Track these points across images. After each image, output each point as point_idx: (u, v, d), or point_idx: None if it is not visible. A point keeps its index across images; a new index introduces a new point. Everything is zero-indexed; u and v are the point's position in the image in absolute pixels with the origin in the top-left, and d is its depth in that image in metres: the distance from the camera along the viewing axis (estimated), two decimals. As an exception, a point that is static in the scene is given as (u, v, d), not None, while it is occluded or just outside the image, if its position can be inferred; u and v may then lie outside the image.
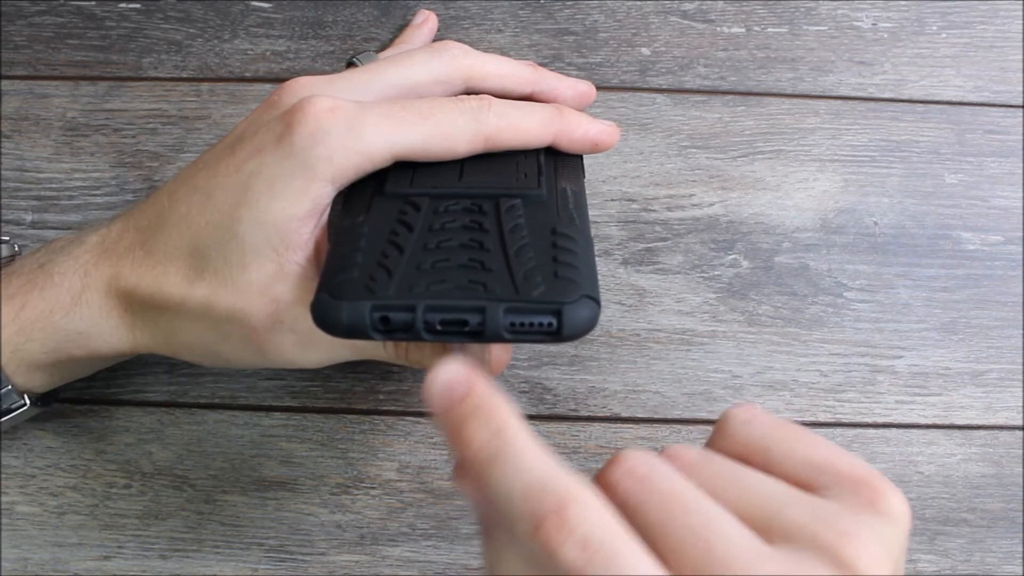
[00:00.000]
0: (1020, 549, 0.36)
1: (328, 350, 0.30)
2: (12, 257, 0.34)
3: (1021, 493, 0.37)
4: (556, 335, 0.25)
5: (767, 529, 0.21)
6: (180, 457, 0.37)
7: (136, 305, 0.30)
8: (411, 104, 0.29)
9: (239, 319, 0.29)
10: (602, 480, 0.22)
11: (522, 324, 0.25)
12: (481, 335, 0.25)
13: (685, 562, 0.20)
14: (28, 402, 0.32)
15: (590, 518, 0.20)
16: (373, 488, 0.36)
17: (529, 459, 0.21)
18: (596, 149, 0.32)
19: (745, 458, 0.23)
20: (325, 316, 0.25)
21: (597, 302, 0.25)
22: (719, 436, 0.25)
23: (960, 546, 0.36)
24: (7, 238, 0.36)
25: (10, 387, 0.31)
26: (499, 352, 0.29)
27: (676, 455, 0.23)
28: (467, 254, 0.26)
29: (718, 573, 0.20)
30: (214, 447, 0.37)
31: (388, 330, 0.25)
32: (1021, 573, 0.36)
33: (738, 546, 0.20)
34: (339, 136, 0.28)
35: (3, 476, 0.36)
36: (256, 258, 0.28)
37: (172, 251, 0.29)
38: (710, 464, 0.23)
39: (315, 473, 0.37)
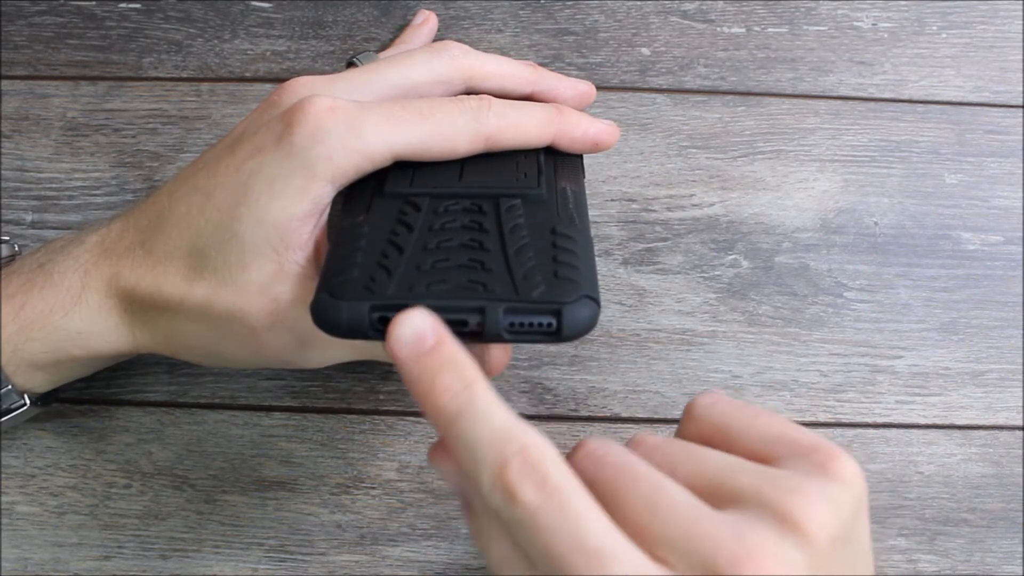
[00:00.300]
0: (1020, 549, 0.36)
1: (327, 350, 0.30)
2: (12, 257, 0.34)
3: (1021, 493, 0.37)
4: (556, 335, 0.25)
5: (716, 495, 0.22)
6: (180, 457, 0.37)
7: (136, 305, 0.30)
8: (411, 104, 0.29)
9: (238, 319, 0.29)
10: (568, 462, 0.23)
11: (522, 324, 0.25)
12: (481, 335, 0.25)
13: (631, 520, 0.22)
14: (28, 402, 0.32)
15: (549, 460, 0.21)
16: (373, 488, 0.36)
17: (496, 412, 0.22)
18: (596, 148, 0.32)
19: (708, 439, 0.25)
20: (325, 316, 0.25)
21: (597, 302, 0.25)
22: (685, 421, 0.26)
23: (960, 546, 0.36)
24: (7, 238, 0.36)
25: (10, 387, 0.31)
26: (498, 352, 0.29)
27: (639, 441, 0.25)
28: (467, 254, 0.26)
29: (661, 529, 0.21)
30: (214, 447, 0.37)
31: (387, 330, 0.25)
32: (1021, 573, 0.36)
33: (682, 505, 0.22)
34: (339, 136, 0.28)
35: (3, 476, 0.36)
36: (256, 258, 0.28)
37: (172, 251, 0.29)
38: (669, 446, 0.24)
39: (315, 473, 0.37)
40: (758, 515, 0.21)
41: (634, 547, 0.21)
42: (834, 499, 0.22)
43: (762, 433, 0.24)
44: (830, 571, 0.21)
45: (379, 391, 0.38)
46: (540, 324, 0.25)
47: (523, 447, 0.21)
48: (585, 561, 0.21)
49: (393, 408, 0.37)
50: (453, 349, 0.23)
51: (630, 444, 0.25)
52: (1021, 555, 0.36)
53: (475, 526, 0.24)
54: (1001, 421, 0.38)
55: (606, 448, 0.24)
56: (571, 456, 0.24)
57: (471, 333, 0.25)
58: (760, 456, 0.23)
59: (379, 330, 0.25)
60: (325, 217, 0.29)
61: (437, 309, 0.25)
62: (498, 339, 0.25)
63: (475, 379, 0.22)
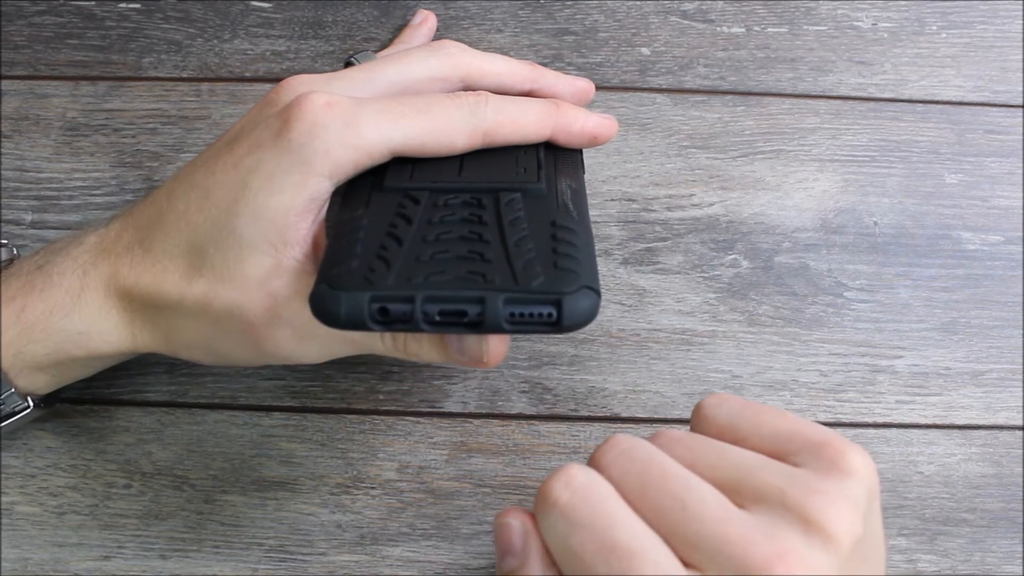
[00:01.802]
0: (1020, 549, 0.36)
1: (326, 344, 0.30)
2: (11, 261, 0.34)
3: (1021, 493, 0.37)
4: (556, 325, 0.25)
5: (738, 492, 0.23)
6: (180, 457, 0.37)
7: (135, 304, 0.30)
8: (409, 100, 0.29)
9: (237, 314, 0.29)
10: (593, 461, 0.24)
11: (522, 314, 0.25)
12: (480, 326, 0.25)
13: (662, 519, 0.22)
14: (31, 404, 0.32)
15: (585, 474, 0.23)
16: (373, 488, 0.36)
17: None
18: (595, 143, 0.32)
19: (719, 438, 0.25)
20: (324, 307, 0.25)
21: (597, 293, 0.25)
22: (695, 423, 0.27)
23: (960, 546, 0.36)
24: (5, 241, 0.36)
25: (12, 390, 0.31)
26: (496, 343, 0.28)
27: (660, 435, 0.25)
28: (466, 246, 0.26)
29: (691, 528, 0.22)
30: (214, 447, 0.37)
31: (387, 321, 0.25)
32: (1021, 573, 0.36)
33: (711, 505, 0.22)
34: (336, 131, 0.28)
35: (3, 476, 0.36)
36: (253, 253, 0.28)
37: (170, 249, 0.30)
38: (691, 440, 0.25)
39: (315, 473, 0.37)
40: (783, 517, 0.22)
41: (663, 545, 0.22)
42: (853, 497, 0.22)
43: (772, 430, 0.24)
44: (855, 571, 0.22)
45: (379, 391, 0.38)
46: (540, 314, 0.24)
47: (560, 469, 0.23)
48: (615, 560, 0.21)
49: (393, 408, 0.37)
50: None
51: (651, 438, 0.25)
52: (1021, 555, 0.36)
53: None
54: (1001, 421, 0.38)
55: (633, 443, 0.24)
56: (598, 451, 0.24)
57: (471, 324, 0.25)
58: (772, 453, 0.24)
59: (378, 321, 0.25)
60: (323, 213, 0.29)
61: (436, 299, 0.24)
62: (498, 329, 0.25)
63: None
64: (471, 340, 0.28)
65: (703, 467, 0.23)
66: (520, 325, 0.25)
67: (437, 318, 0.25)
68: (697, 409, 0.27)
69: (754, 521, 0.22)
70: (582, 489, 0.23)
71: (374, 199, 0.28)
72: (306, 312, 0.26)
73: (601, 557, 0.21)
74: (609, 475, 0.23)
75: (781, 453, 0.24)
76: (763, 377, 0.38)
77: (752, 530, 0.21)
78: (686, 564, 0.22)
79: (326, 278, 0.25)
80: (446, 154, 0.29)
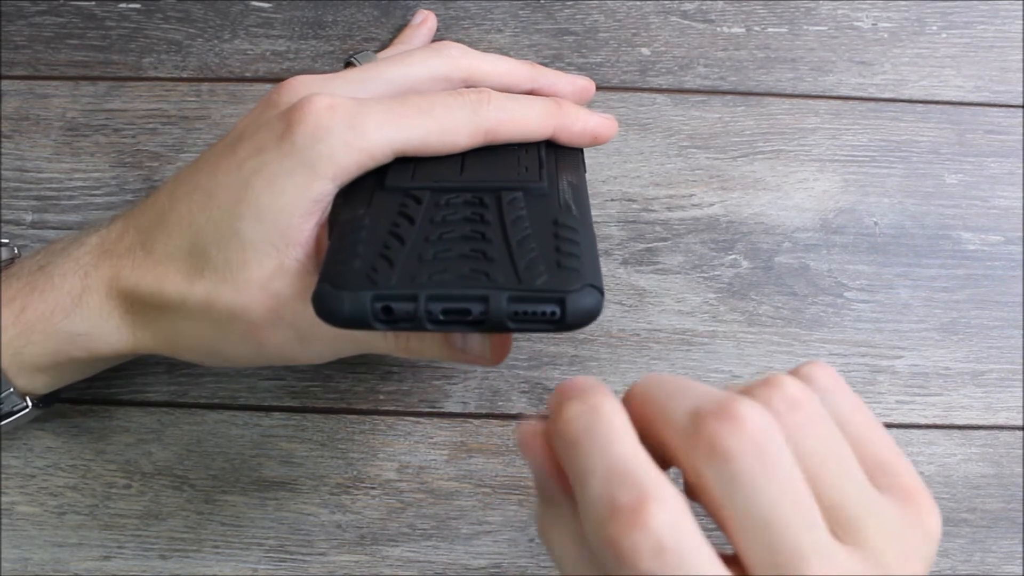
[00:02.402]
0: (1020, 549, 0.36)
1: (328, 345, 0.30)
2: (12, 260, 0.34)
3: (1021, 493, 0.37)
4: (559, 323, 0.24)
5: (838, 511, 0.21)
6: (180, 457, 0.37)
7: (137, 305, 0.30)
8: (411, 100, 0.29)
9: (239, 316, 0.29)
10: (716, 436, 0.20)
11: (525, 312, 0.24)
12: (484, 324, 0.25)
13: (755, 544, 0.20)
14: (30, 404, 0.32)
15: (668, 521, 0.19)
16: (373, 488, 0.36)
17: (618, 444, 0.20)
18: (596, 142, 0.32)
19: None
20: (327, 306, 0.25)
21: (600, 291, 0.25)
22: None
23: (960, 546, 0.36)
24: (6, 240, 0.36)
25: (11, 390, 0.31)
26: (500, 342, 0.28)
27: (804, 401, 0.22)
28: (469, 244, 0.26)
29: (785, 561, 0.19)
30: (214, 447, 0.37)
31: (390, 320, 0.25)
32: (1021, 573, 0.36)
33: (809, 541, 0.20)
34: (340, 133, 0.28)
35: (3, 476, 0.36)
36: (256, 255, 0.28)
37: (173, 250, 0.30)
38: (826, 427, 0.22)
39: (315, 473, 0.37)
40: (871, 564, 0.20)
41: (831, 538, 0.20)
42: (927, 558, 0.21)
43: (876, 455, 0.23)
44: None
45: (379, 391, 0.38)
46: (544, 312, 0.24)
47: (639, 500, 0.19)
48: (777, 534, 0.19)
49: (393, 408, 0.37)
50: (588, 383, 0.22)
51: (792, 390, 0.21)
52: (1021, 555, 0.36)
53: (545, 522, 0.22)
54: (1001, 421, 0.38)
55: (765, 433, 0.20)
56: (722, 429, 0.20)
57: (474, 322, 0.25)
58: (866, 472, 0.22)
59: (382, 320, 0.25)
60: (326, 215, 0.29)
61: (440, 298, 0.24)
62: (502, 328, 0.25)
63: (601, 404, 0.21)
64: (474, 338, 0.28)
65: (824, 480, 0.21)
66: (524, 323, 0.25)
67: (441, 316, 0.25)
68: (807, 380, 0.23)
69: (850, 564, 0.20)
70: (759, 447, 0.19)
71: (376, 199, 0.28)
72: (308, 313, 0.26)
73: (776, 523, 0.19)
74: (717, 449, 0.20)
75: (873, 477, 0.22)
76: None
77: (846, 570, 0.20)
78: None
79: (329, 277, 0.25)
80: (449, 152, 0.30)
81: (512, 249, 0.26)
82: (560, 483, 0.22)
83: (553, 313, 0.24)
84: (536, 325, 0.25)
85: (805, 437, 0.21)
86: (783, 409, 0.21)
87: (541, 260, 0.25)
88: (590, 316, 0.25)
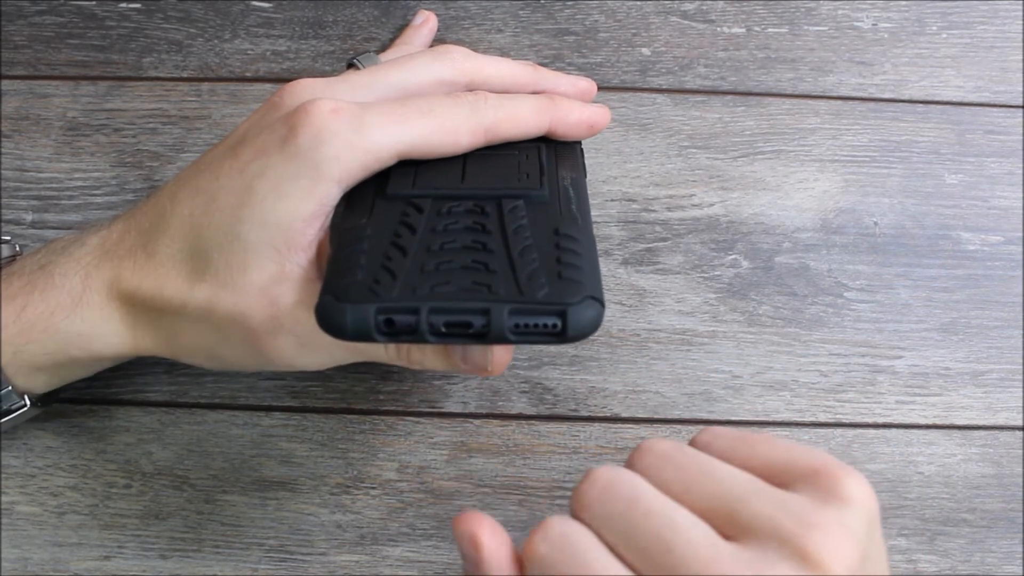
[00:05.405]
0: (1020, 549, 0.36)
1: (328, 352, 0.30)
2: (13, 257, 0.34)
3: (1021, 493, 0.37)
4: (561, 336, 0.25)
5: (731, 522, 0.22)
6: (180, 457, 0.37)
7: (137, 307, 0.30)
8: (411, 102, 0.29)
9: (239, 321, 0.29)
10: (576, 497, 0.24)
11: (526, 325, 0.25)
12: (485, 337, 0.25)
13: (647, 562, 0.21)
14: (28, 403, 0.32)
15: (562, 524, 0.23)
16: (373, 488, 0.36)
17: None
18: (592, 131, 0.32)
19: None
20: (330, 319, 0.25)
21: (601, 303, 0.25)
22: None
23: (960, 546, 0.36)
24: (8, 238, 0.36)
25: (10, 388, 0.31)
26: (500, 352, 0.29)
27: (647, 449, 0.25)
28: (471, 255, 0.26)
29: (679, 572, 0.21)
30: (214, 447, 0.37)
31: (392, 333, 0.25)
32: (1021, 573, 0.36)
33: (699, 544, 0.21)
34: (344, 136, 0.28)
35: (3, 476, 0.36)
36: (258, 259, 0.28)
37: (174, 253, 0.29)
38: (681, 457, 0.24)
39: (315, 473, 0.37)
40: (777, 551, 0.21)
41: None
42: (851, 528, 0.21)
43: (767, 459, 0.24)
44: None
45: (379, 391, 0.38)
46: (545, 325, 0.25)
47: (541, 525, 0.23)
48: None
49: (393, 408, 0.37)
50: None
51: (638, 452, 0.25)
52: (1021, 555, 0.36)
53: None
54: (1001, 421, 0.38)
55: (614, 477, 0.23)
56: (580, 490, 0.24)
57: (476, 335, 0.25)
58: (767, 481, 0.23)
59: (384, 332, 0.25)
60: (329, 220, 0.29)
61: (442, 311, 0.25)
62: (503, 340, 0.25)
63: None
64: (475, 350, 0.28)
65: (695, 493, 0.23)
66: (525, 336, 0.25)
67: (443, 329, 0.25)
68: (691, 443, 0.26)
69: (746, 557, 0.21)
70: (559, 540, 0.22)
71: (377, 206, 0.28)
72: (310, 321, 0.26)
73: None
74: (590, 517, 0.23)
75: (777, 482, 0.23)
76: (763, 377, 0.38)
77: (742, 568, 0.21)
78: None
79: (331, 290, 0.25)
80: (451, 153, 0.30)
81: (513, 260, 0.26)
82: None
83: (554, 326, 0.25)
84: (537, 337, 0.25)
85: (659, 472, 0.24)
86: (635, 461, 0.24)
87: (542, 271, 0.25)
88: (590, 329, 0.25)
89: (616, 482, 0.23)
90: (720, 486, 0.23)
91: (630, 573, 0.22)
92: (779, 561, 0.21)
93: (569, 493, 0.35)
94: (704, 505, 0.22)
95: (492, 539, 0.23)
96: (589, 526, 0.23)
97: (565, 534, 0.23)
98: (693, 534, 0.22)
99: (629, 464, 0.25)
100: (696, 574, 0.21)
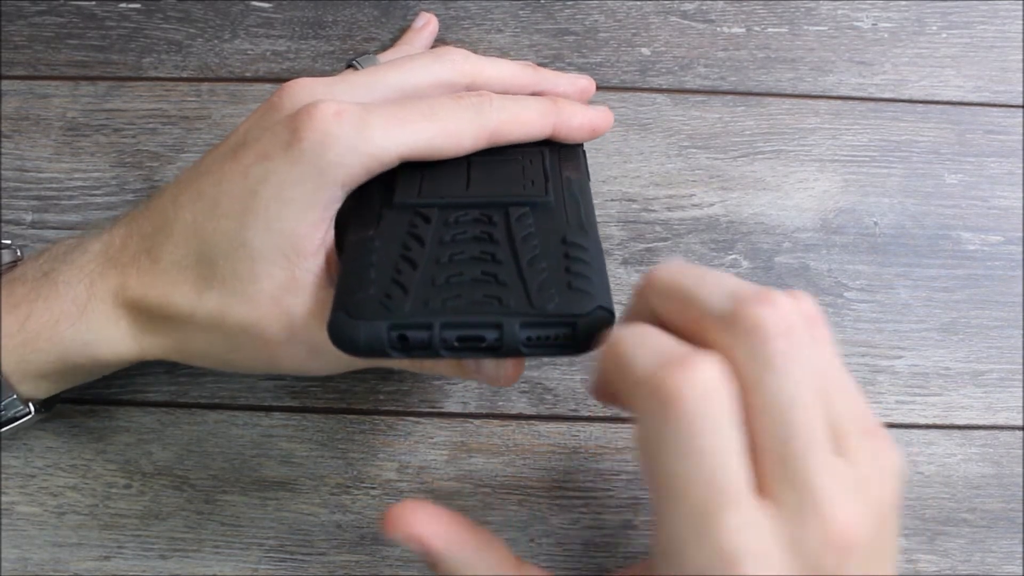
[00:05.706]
0: (1020, 549, 0.36)
1: (339, 358, 0.30)
2: (14, 263, 0.34)
3: (1021, 493, 0.37)
4: (573, 348, 0.25)
5: (836, 427, 0.23)
6: (180, 457, 0.37)
7: (144, 315, 0.30)
8: (415, 104, 0.29)
9: (253, 332, 0.29)
10: (744, 308, 0.22)
11: (538, 338, 0.25)
12: (499, 350, 0.25)
13: (773, 427, 0.22)
14: (33, 410, 0.32)
15: (714, 375, 0.21)
16: (373, 488, 0.36)
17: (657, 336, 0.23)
18: (594, 134, 0.32)
19: None
20: (342, 336, 0.25)
21: (611, 312, 0.25)
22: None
23: (960, 546, 0.36)
24: (8, 242, 0.36)
25: (14, 396, 0.31)
26: (513, 365, 0.29)
27: (812, 312, 0.24)
28: (480, 267, 0.26)
29: (794, 454, 0.22)
30: (214, 447, 0.37)
31: (405, 348, 0.25)
32: (1021, 573, 0.36)
33: (819, 441, 0.22)
34: (348, 139, 0.28)
35: (3, 476, 0.36)
36: (266, 266, 0.28)
37: (179, 260, 0.29)
38: (830, 344, 0.24)
39: (315, 473, 0.37)
40: (862, 481, 0.23)
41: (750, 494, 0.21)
42: (896, 494, 0.24)
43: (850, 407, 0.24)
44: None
45: (379, 391, 0.38)
46: (557, 337, 0.25)
47: (682, 358, 0.22)
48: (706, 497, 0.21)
49: (393, 408, 0.37)
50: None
51: (802, 308, 0.24)
52: (1021, 555, 0.36)
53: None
54: (1001, 421, 0.38)
55: (796, 325, 0.23)
56: (759, 306, 0.22)
57: (488, 349, 0.25)
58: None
59: (397, 348, 0.25)
60: (333, 224, 0.29)
61: (454, 325, 0.25)
62: (515, 353, 0.25)
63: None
64: (488, 362, 0.28)
65: (835, 385, 0.23)
66: (537, 348, 0.25)
67: (455, 344, 0.25)
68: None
69: (848, 474, 0.22)
70: (795, 327, 0.22)
71: (385, 216, 0.28)
72: (322, 330, 0.26)
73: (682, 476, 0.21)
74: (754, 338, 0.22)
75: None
76: (763, 377, 0.38)
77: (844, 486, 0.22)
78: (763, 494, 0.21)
79: (343, 306, 0.25)
80: (454, 156, 0.30)
81: (523, 270, 0.26)
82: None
83: (566, 338, 0.25)
84: (549, 349, 0.25)
85: (820, 352, 0.23)
86: (804, 317, 0.23)
87: (552, 282, 0.25)
88: (601, 339, 0.25)
89: (799, 327, 0.23)
90: (847, 401, 0.24)
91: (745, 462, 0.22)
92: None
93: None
94: (831, 408, 0.23)
95: (434, 527, 0.24)
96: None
97: (797, 328, 0.22)
98: (824, 423, 0.22)
99: (798, 296, 0.24)
100: (807, 460, 0.21)
